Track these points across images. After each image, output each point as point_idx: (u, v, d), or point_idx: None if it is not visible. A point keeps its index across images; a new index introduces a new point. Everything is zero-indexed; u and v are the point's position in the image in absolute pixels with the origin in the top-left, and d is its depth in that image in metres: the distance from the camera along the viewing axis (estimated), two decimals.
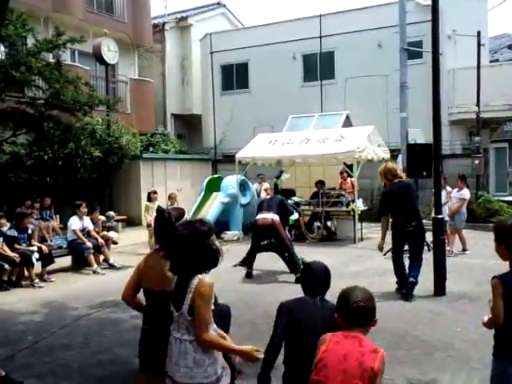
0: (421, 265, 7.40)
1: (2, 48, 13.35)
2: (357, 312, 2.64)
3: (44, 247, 9.36)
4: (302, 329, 3.19)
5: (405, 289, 7.34)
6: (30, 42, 13.60)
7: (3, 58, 13.22)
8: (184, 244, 2.84)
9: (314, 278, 3.43)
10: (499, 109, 16.21)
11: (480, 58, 15.89)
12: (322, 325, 3.01)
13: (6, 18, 10.31)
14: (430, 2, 8.04)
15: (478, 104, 15.82)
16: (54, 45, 13.51)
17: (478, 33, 15.85)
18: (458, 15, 16.49)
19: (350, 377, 2.48)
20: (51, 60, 13.84)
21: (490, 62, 19.65)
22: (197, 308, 2.73)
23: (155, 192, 12.23)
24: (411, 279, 7.22)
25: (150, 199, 12.08)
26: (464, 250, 10.74)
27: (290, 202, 10.53)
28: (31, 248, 9.07)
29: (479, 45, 15.89)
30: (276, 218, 8.68)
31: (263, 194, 14.27)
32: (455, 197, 10.74)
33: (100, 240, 10.31)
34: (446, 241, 8.49)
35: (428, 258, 7.86)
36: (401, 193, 7.39)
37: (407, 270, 7.43)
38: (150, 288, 3.29)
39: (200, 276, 2.79)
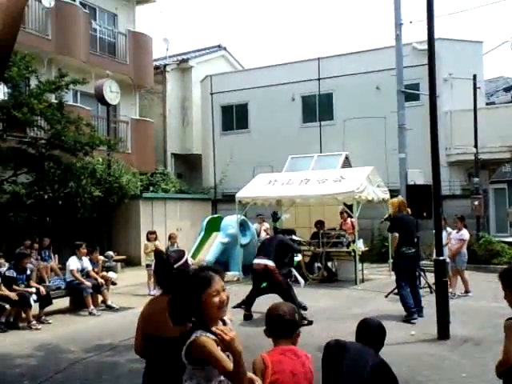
0: (418, 291, 8.87)
1: (5, 89, 13.51)
2: (282, 324, 2.97)
3: (42, 288, 9.22)
4: (345, 371, 3.20)
5: (412, 317, 8.29)
6: (33, 82, 13.79)
7: (6, 98, 13.37)
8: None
9: (368, 333, 3.46)
10: (497, 150, 16.32)
11: (476, 100, 16.10)
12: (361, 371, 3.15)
13: (9, 60, 10.48)
14: (426, 47, 8.21)
15: (475, 145, 15.94)
16: (57, 86, 13.72)
17: (474, 76, 16.12)
18: (454, 59, 16.86)
19: None
20: (53, 101, 14.02)
21: (487, 104, 19.92)
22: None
23: (152, 232, 12.12)
24: (418, 308, 8.51)
25: (148, 239, 12.04)
26: (467, 291, 10.63)
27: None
28: (29, 289, 8.97)
29: (475, 87, 16.13)
30: (270, 263, 8.51)
31: (263, 234, 14.23)
32: (454, 238, 10.69)
33: (100, 280, 10.23)
34: (449, 283, 8.42)
35: (431, 300, 7.79)
36: (410, 223, 8.80)
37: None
38: (152, 334, 3.19)
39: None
